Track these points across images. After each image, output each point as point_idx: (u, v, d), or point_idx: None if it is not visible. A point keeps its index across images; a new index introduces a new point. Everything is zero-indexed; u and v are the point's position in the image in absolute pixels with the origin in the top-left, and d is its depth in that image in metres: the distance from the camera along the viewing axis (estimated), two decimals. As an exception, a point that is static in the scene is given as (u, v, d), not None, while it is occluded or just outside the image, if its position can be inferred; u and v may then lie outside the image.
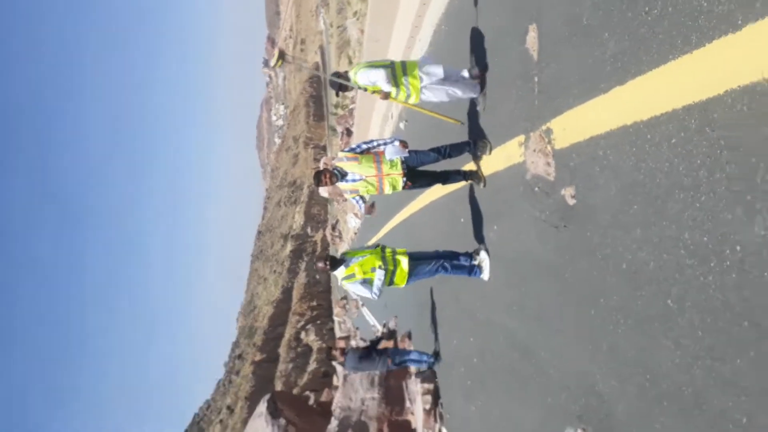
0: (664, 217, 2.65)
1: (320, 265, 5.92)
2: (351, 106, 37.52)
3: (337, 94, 6.19)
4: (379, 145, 5.68)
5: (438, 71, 5.61)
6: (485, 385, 6.13)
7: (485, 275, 5.98)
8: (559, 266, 3.98)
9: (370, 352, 8.22)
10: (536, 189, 4.46)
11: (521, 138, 4.80)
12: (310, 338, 68.87)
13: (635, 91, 2.95)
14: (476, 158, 6.13)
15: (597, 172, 3.38)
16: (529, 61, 4.58)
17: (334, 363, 8.63)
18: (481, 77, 5.80)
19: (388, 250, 5.88)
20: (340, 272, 5.82)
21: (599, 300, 3.37)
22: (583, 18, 3.53)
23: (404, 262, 5.80)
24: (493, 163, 5.63)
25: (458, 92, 5.74)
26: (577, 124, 3.66)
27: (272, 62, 5.57)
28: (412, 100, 5.69)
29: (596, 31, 3.35)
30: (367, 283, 5.81)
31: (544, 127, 4.28)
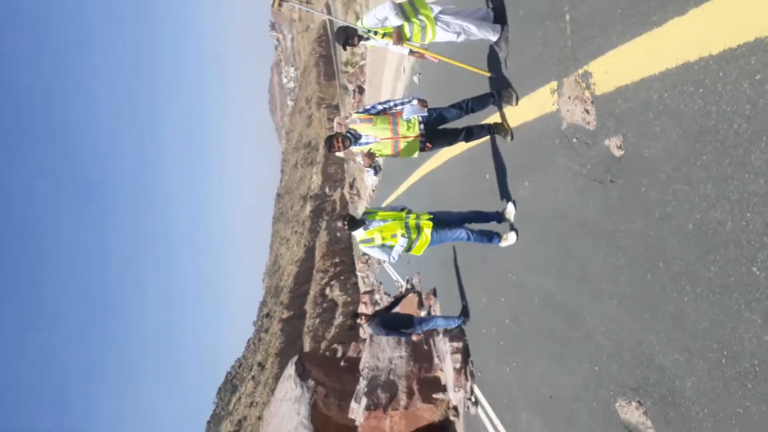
0: (746, 169, 2.23)
1: (339, 224, 5.63)
2: (361, 63, 36.56)
3: (345, 48, 5.59)
4: (396, 105, 5.22)
5: (450, 6, 5.13)
6: (521, 347, 5.85)
7: (510, 240, 5.69)
8: (607, 225, 3.59)
9: (394, 319, 7.96)
10: (574, 140, 4.02)
11: (553, 85, 4.33)
12: (335, 293, 69.89)
13: (701, 20, 2.48)
14: (501, 110, 5.67)
15: (651, 119, 2.94)
16: (559, -3, 4.07)
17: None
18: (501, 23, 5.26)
19: (412, 216, 5.55)
20: (359, 234, 5.58)
21: (658, 264, 2.99)
22: (628, -62, 3.02)
23: (427, 232, 5.52)
24: (520, 114, 5.16)
25: (473, 29, 5.12)
26: (623, 65, 3.19)
27: (272, 2, 5.00)
28: (429, 36, 5.09)
29: (646, -48, 2.85)
30: (386, 247, 5.59)
31: (580, 71, 3.81)
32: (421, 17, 4.97)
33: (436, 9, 5.06)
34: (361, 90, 31.56)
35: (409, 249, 5.65)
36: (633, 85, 3.10)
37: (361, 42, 5.26)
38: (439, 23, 5.02)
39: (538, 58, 4.56)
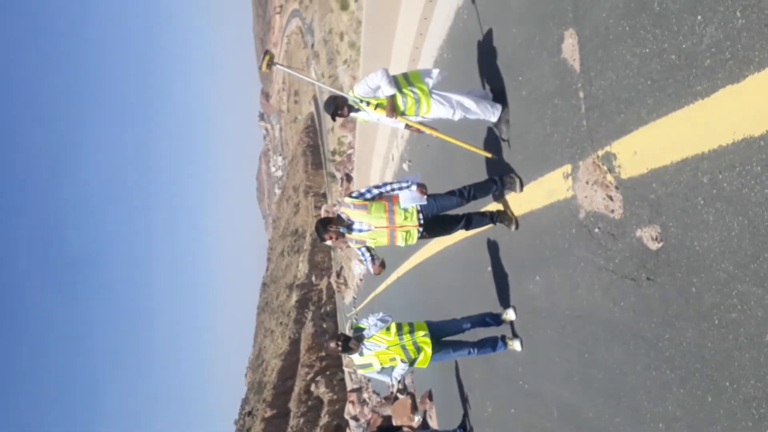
0: None
1: (332, 345, 5.09)
2: (349, 151, 37.07)
3: (334, 118, 5.22)
4: (393, 189, 4.73)
5: (444, 74, 4.85)
6: (536, 467, 5.05)
7: (515, 349, 5.26)
8: (645, 332, 3.02)
9: None
10: (596, 230, 3.53)
11: (566, 168, 3.91)
12: (321, 390, 66.96)
13: (764, 87, 2.06)
14: (503, 197, 5.25)
15: (701, 206, 2.46)
16: (568, 74, 3.73)
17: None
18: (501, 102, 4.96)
19: (406, 337, 5.03)
20: (356, 359, 5.11)
21: (722, 384, 2.40)
22: (654, 3, 2.69)
23: (428, 350, 5.08)
24: (527, 201, 4.72)
25: (471, 105, 4.79)
26: (658, 143, 2.76)
27: (259, 65, 4.70)
28: (424, 109, 4.74)
29: (680, 15, 2.49)
30: (386, 369, 5.11)
31: (600, 153, 3.39)
32: (414, 89, 4.67)
33: (431, 83, 4.76)
34: (348, 178, 31.62)
35: (411, 364, 5.14)
36: (673, 166, 2.65)
37: (351, 113, 4.93)
38: (434, 97, 4.71)
39: (547, 140, 4.17)
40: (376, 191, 4.74)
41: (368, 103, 4.65)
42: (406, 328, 5.07)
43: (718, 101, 2.29)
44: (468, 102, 4.78)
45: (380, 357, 4.96)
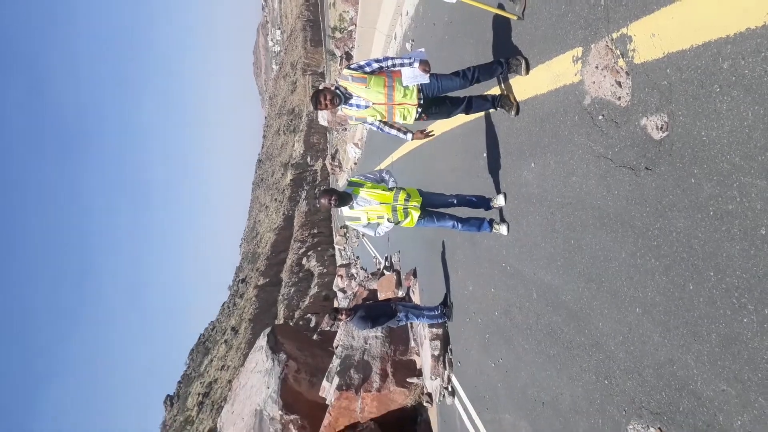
0: None
1: (323, 201, 5.11)
2: (350, 28, 35.35)
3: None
4: (395, 65, 4.54)
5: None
6: (510, 343, 5.34)
7: (501, 233, 5.38)
8: (635, 220, 3.03)
9: (376, 309, 7.42)
10: (600, 117, 3.43)
11: (576, 51, 3.72)
12: (312, 264, 69.66)
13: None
14: (508, 80, 5.06)
15: (716, 93, 2.36)
16: (594, -54, 3.43)
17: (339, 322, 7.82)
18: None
19: (401, 198, 5.20)
20: (346, 211, 5.25)
21: (707, 273, 2.45)
22: None
23: (415, 215, 5.23)
24: (532, 85, 4.55)
25: None
26: (680, 25, 2.59)
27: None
28: None
29: None
30: (371, 224, 5.33)
31: (615, 35, 3.21)
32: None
33: None
34: (348, 56, 30.50)
35: (396, 223, 5.36)
36: (692, 50, 2.50)
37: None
38: None
39: (560, 20, 3.93)
40: (376, 65, 4.57)
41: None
42: (402, 195, 5.21)
43: (753, -22, 2.11)
44: None
45: (369, 213, 5.17)
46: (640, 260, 2.99)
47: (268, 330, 16.97)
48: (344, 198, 5.14)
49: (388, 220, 5.22)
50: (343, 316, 7.10)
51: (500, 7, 5.11)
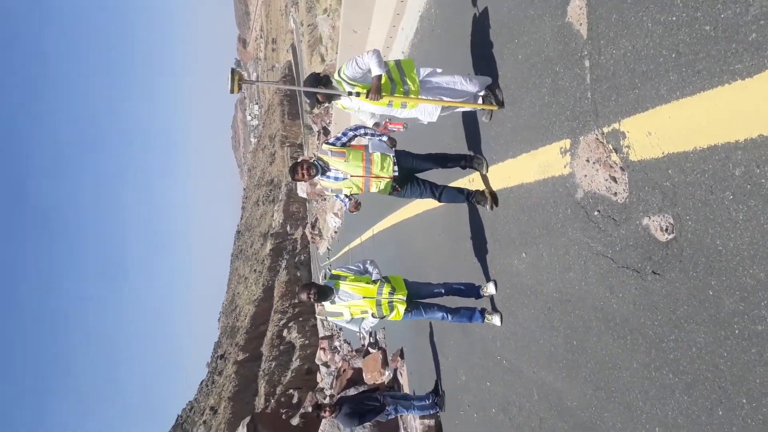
0: None
1: (303, 297, 4.96)
2: (326, 105, 36.10)
3: (313, 108, 5.11)
4: (365, 134, 4.82)
5: (438, 71, 4.65)
6: (510, 442, 4.94)
7: (494, 323, 5.10)
8: (647, 329, 2.77)
9: (363, 405, 6.94)
10: (595, 213, 3.24)
11: (564, 143, 3.58)
12: (293, 335, 67.82)
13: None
14: (481, 172, 5.11)
15: (728, 201, 2.17)
16: (574, 39, 3.36)
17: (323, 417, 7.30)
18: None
19: (385, 292, 4.92)
20: (328, 306, 5.01)
21: (739, 400, 2.17)
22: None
23: (401, 309, 4.96)
24: (518, 172, 4.40)
25: (460, 80, 4.61)
26: (680, 126, 2.44)
27: (229, 87, 4.26)
28: (412, 100, 4.53)
29: (722, -21, 2.14)
30: (355, 320, 5.11)
31: (605, 130, 3.07)
32: (406, 79, 4.47)
33: (423, 73, 4.60)
34: (326, 131, 30.90)
35: (381, 318, 5.08)
36: (696, 153, 2.34)
37: (333, 101, 4.81)
38: (423, 90, 4.55)
39: (544, 110, 3.82)
40: (351, 133, 4.83)
41: (357, 93, 4.38)
42: (387, 288, 4.94)
43: (763, 83, 1.97)
44: (459, 80, 4.58)
45: (352, 308, 4.95)
46: (656, 373, 2.72)
47: (247, 419, 16.12)
48: (324, 292, 4.93)
49: (373, 315, 4.97)
50: (327, 414, 6.62)
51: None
